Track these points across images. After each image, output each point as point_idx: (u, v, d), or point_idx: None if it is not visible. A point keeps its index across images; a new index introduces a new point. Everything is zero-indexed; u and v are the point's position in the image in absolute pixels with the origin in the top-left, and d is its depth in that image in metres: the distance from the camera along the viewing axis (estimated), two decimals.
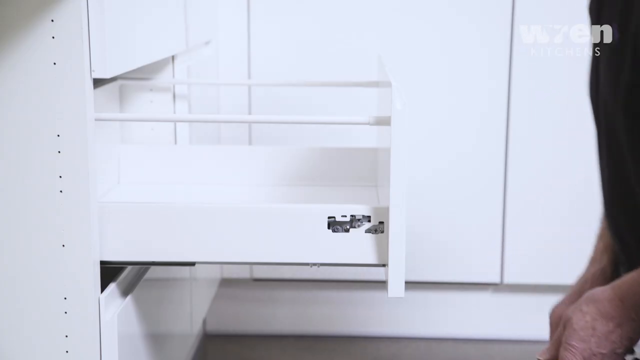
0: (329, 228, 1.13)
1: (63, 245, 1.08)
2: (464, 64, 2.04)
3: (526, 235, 2.10)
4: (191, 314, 1.71)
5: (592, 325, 1.13)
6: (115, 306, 1.16)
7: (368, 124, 1.21)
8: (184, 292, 1.65)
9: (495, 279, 2.12)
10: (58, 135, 1.06)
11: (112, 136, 1.43)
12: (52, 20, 1.04)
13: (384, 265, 1.12)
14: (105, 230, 1.12)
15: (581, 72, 2.14)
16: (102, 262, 1.13)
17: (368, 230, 1.13)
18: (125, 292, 1.22)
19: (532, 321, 2.06)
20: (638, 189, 1.18)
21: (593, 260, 1.37)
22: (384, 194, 1.17)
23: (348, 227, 1.13)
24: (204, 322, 2.12)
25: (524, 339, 2.17)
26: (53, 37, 1.04)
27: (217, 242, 1.14)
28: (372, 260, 1.12)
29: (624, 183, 1.21)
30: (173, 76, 1.58)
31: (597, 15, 1.26)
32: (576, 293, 1.31)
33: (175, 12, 1.54)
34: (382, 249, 1.11)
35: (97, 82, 1.33)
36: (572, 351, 1.14)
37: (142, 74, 1.49)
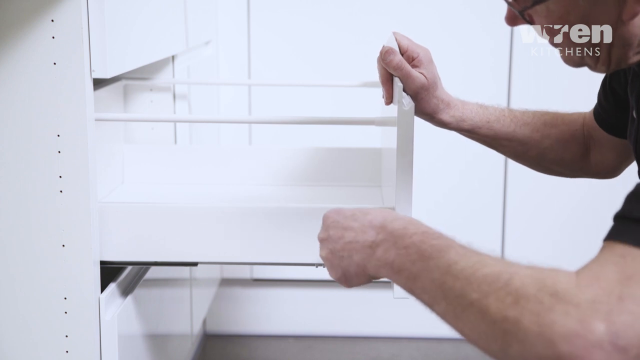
0: None
1: (63, 245, 1.08)
2: (464, 64, 2.04)
3: (526, 236, 2.10)
4: (191, 314, 1.70)
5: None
6: (115, 306, 1.16)
7: (374, 124, 1.20)
8: (184, 292, 1.64)
9: None
10: (58, 135, 1.06)
11: (116, 136, 1.42)
12: (52, 20, 1.03)
13: None
14: (105, 230, 1.12)
15: (581, 72, 2.14)
16: (102, 262, 1.13)
17: None
18: (125, 292, 1.22)
19: None
20: None
21: None
22: (389, 194, 1.17)
23: None
24: (204, 322, 2.12)
25: None
26: (53, 37, 1.04)
27: (218, 242, 1.14)
28: None
29: None
30: (173, 76, 1.57)
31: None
32: None
33: (175, 12, 1.54)
34: None
35: (102, 82, 1.33)
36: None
37: (142, 74, 1.49)
